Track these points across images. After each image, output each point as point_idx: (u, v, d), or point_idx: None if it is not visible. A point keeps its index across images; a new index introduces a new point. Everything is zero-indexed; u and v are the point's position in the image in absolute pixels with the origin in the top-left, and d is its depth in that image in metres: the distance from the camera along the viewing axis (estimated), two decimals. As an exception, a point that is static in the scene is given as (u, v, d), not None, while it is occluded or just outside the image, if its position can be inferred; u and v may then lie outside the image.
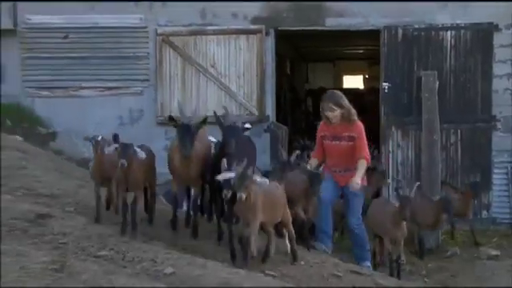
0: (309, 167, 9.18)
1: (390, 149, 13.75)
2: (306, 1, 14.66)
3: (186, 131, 7.62)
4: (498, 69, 13.52)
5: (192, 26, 14.25)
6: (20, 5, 14.58)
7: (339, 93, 9.54)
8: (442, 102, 13.32)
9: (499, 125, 13.54)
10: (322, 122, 9.41)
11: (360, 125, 9.04)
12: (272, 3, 14.34)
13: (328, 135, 9.07)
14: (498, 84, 13.52)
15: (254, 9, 14.25)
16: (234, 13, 14.26)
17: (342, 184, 9.06)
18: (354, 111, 9.00)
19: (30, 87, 14.10)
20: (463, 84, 13.68)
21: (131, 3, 14.37)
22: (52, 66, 14.22)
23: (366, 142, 9.07)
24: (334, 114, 8.79)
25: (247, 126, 8.51)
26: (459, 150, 13.59)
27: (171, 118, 7.92)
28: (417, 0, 13.93)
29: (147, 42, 14.32)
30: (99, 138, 8.00)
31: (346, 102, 8.92)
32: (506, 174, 13.48)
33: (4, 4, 14.60)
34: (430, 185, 12.22)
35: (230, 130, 7.85)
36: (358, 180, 8.56)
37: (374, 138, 13.83)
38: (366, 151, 8.96)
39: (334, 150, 9.04)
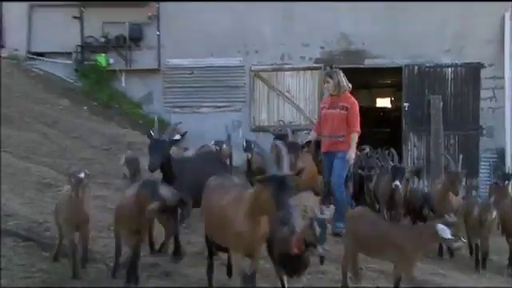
0: (310, 137, 9.35)
1: (409, 148, 14.98)
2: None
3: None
4: (483, 94, 14.65)
5: (274, 65, 15.58)
6: (162, 51, 15.84)
7: (335, 69, 9.79)
8: (444, 116, 14.56)
9: (484, 132, 14.68)
10: (324, 100, 9.63)
11: (354, 100, 9.00)
12: (328, 50, 15.40)
13: (326, 106, 9.00)
14: (483, 104, 14.65)
15: (316, 53, 15.44)
16: (302, 56, 15.51)
17: (328, 148, 8.90)
18: (345, 85, 8.90)
19: (168, 106, 15.47)
20: (459, 104, 14.80)
21: (235, 52, 15.58)
22: (182, 93, 15.68)
23: (358, 115, 8.89)
24: (329, 84, 8.81)
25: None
26: (456, 149, 14.54)
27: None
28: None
29: (244, 76, 15.66)
30: (81, 175, 6.16)
31: (339, 76, 8.89)
32: (489, 165, 14.40)
33: (150, 51, 15.94)
34: (437, 171, 13.11)
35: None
36: (351, 153, 8.57)
37: (397, 141, 15.03)
38: (357, 125, 8.79)
39: (329, 116, 8.88)
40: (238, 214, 5.08)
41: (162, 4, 16.03)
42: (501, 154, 14.29)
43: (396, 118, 17.16)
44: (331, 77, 8.86)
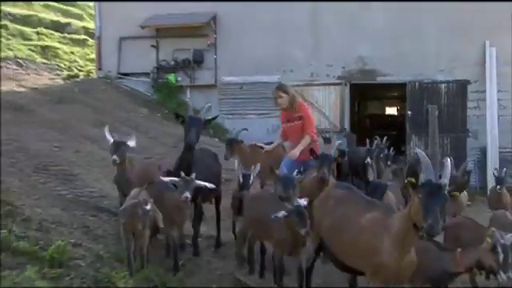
0: (274, 145, 8.50)
1: (411, 147, 15.30)
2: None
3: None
4: (469, 104, 15.25)
5: (305, 81, 16.24)
6: (218, 71, 16.72)
7: (285, 84, 8.82)
8: (439, 122, 14.03)
9: (470, 134, 15.26)
10: (281, 111, 8.31)
11: (305, 107, 8.22)
12: (347, 69, 16.06)
13: (284, 119, 8.11)
14: (469, 112, 15.27)
15: (338, 72, 16.13)
16: (327, 74, 16.24)
17: (297, 159, 7.72)
18: (296, 96, 8.27)
19: (222, 114, 15.68)
20: (451, 112, 15.39)
21: (275, 71, 16.25)
22: (234, 103, 16.54)
23: (312, 121, 8.04)
24: (283, 99, 7.83)
25: None
26: (449, 148, 15.23)
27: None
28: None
29: None
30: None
31: (291, 90, 8.09)
32: (474, 161, 14.87)
33: (209, 71, 16.83)
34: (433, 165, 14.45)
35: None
36: (295, 152, 7.56)
37: (402, 142, 15.89)
38: (312, 129, 7.85)
39: (289, 130, 8.04)
40: (384, 242, 4.18)
41: (219, 35, 16.76)
42: (483, 152, 14.65)
43: (401, 123, 17.46)
44: (286, 92, 7.96)
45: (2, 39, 19.66)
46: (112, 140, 6.34)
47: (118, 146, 6.27)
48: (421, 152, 4.47)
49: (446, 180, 4.16)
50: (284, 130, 8.28)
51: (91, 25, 22.82)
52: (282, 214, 5.23)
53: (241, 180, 6.64)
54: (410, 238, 4.24)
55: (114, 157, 6.18)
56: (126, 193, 6.18)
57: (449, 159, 4.47)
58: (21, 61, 17.95)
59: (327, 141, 10.48)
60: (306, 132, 7.83)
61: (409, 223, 4.17)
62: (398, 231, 4.21)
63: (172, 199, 5.89)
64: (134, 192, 5.80)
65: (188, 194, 5.62)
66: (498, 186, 9.57)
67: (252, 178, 6.71)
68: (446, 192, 4.11)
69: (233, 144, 9.20)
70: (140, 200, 5.47)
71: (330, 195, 5.14)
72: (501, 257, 4.64)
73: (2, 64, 17.27)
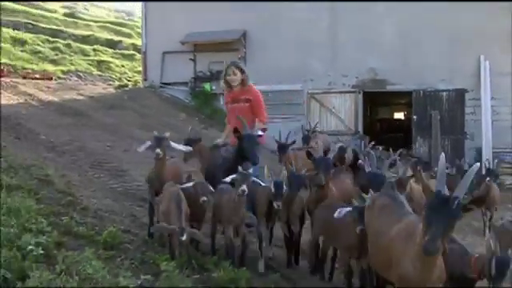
0: (223, 136, 6.98)
1: (417, 147, 15.34)
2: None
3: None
4: (467, 110, 15.20)
5: (323, 89, 16.30)
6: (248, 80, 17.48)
7: (240, 62, 7.66)
8: (441, 125, 15.08)
9: (468, 136, 15.18)
10: (225, 92, 7.14)
11: (255, 90, 6.85)
12: (360, 79, 16.05)
13: (229, 100, 6.83)
14: (467, 117, 15.22)
15: (353, 81, 16.10)
16: (343, 83, 16.21)
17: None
18: (249, 79, 6.78)
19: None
20: (451, 117, 15.33)
21: (297, 80, 16.25)
22: None
23: (263, 105, 6.84)
24: (236, 77, 6.60)
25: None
26: (449, 148, 15.12)
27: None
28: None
29: (303, 97, 16.46)
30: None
31: (246, 69, 6.80)
32: (471, 159, 13.84)
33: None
34: (435, 163, 11.39)
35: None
36: (258, 127, 6.26)
37: (408, 143, 15.69)
38: (265, 115, 6.75)
39: (233, 112, 6.67)
40: (407, 253, 3.50)
41: (248, 49, 16.90)
42: (479, 152, 14.47)
43: (407, 126, 17.36)
44: (241, 70, 6.74)
45: (66, 56, 20.04)
46: (154, 134, 5.53)
47: (160, 141, 5.45)
48: (443, 158, 3.50)
49: (459, 193, 3.28)
50: (229, 111, 6.96)
51: (138, 42, 23.19)
52: (345, 211, 4.64)
53: (273, 189, 5.28)
54: None
55: (158, 150, 5.37)
56: (158, 190, 5.42)
57: (442, 154, 3.66)
58: (80, 73, 18.39)
59: (342, 150, 8.70)
60: (260, 118, 6.61)
61: None
62: (420, 243, 3.30)
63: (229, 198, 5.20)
64: (168, 184, 5.24)
65: (245, 188, 4.92)
66: (488, 178, 8.51)
67: (285, 186, 5.34)
68: (456, 207, 3.20)
69: (192, 144, 7.18)
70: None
71: (375, 203, 4.32)
72: (493, 271, 4.00)
73: (66, 76, 17.64)
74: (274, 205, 5.27)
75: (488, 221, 8.75)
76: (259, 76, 15.89)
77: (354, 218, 4.57)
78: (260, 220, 5.54)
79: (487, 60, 14.88)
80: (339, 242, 5.06)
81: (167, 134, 5.54)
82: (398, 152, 7.10)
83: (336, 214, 4.67)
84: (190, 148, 6.15)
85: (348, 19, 16.18)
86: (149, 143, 5.50)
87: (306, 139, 10.53)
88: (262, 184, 5.57)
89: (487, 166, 9.36)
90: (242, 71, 6.74)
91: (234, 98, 6.83)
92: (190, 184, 5.13)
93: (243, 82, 6.76)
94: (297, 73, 16.46)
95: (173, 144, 5.59)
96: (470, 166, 3.75)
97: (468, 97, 15.31)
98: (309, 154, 5.99)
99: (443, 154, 3.94)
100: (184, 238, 4.47)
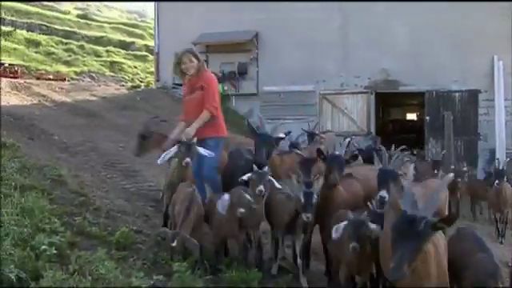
0: (176, 131, 5.99)
1: (429, 148, 15.15)
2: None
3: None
4: (480, 111, 15.06)
5: (336, 90, 16.28)
6: (260, 81, 16.81)
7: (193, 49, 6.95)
8: (454, 126, 14.95)
9: (481, 137, 15.03)
10: (183, 86, 6.47)
11: (210, 75, 6.17)
12: (373, 80, 15.95)
13: (187, 91, 6.18)
14: (480, 118, 15.07)
15: (365, 82, 16.07)
16: (355, 84, 16.16)
17: (199, 137, 5.73)
18: (204, 66, 6.19)
19: (264, 118, 13.58)
20: (464, 118, 15.17)
21: (309, 81, 16.25)
22: (274, 110, 16.10)
23: (215, 94, 5.99)
24: (192, 64, 5.90)
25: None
26: (462, 149, 15.05)
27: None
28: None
29: (315, 98, 16.45)
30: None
31: (201, 57, 6.15)
32: (484, 160, 14.50)
33: (252, 81, 16.90)
34: (447, 165, 12.26)
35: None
36: (190, 131, 5.55)
37: (421, 143, 15.53)
38: (212, 103, 5.84)
39: (190, 104, 6.04)
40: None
41: (260, 50, 16.87)
42: (492, 153, 14.35)
43: (420, 127, 17.33)
44: (197, 57, 6.08)
45: (79, 57, 20.16)
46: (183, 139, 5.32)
47: (189, 148, 5.28)
48: (411, 172, 3.34)
49: (427, 212, 3.06)
50: (185, 104, 6.26)
51: (151, 43, 23.28)
52: (341, 228, 4.20)
53: (302, 200, 4.74)
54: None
55: (187, 159, 5.21)
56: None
57: (411, 166, 3.46)
58: (93, 74, 18.48)
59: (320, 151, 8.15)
60: (205, 106, 5.88)
61: None
62: None
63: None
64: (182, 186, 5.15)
65: (262, 188, 4.67)
66: (497, 181, 8.43)
67: (316, 196, 4.81)
68: (424, 228, 2.96)
69: (146, 138, 6.84)
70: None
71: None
72: None
73: (79, 77, 17.72)
74: (303, 217, 4.76)
75: (502, 223, 8.63)
76: (271, 77, 16.47)
77: (348, 234, 4.14)
78: (278, 230, 5.33)
79: (500, 60, 14.74)
80: (338, 256, 4.69)
81: (194, 140, 5.43)
82: (400, 148, 6.17)
83: (333, 235, 4.19)
84: (212, 154, 5.60)
85: (360, 20, 16.12)
86: (174, 150, 5.31)
87: (309, 140, 10.35)
88: (278, 185, 5.16)
89: (496, 166, 9.24)
90: (198, 58, 6.11)
91: (190, 88, 6.18)
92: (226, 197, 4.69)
93: (199, 70, 6.09)
94: (309, 74, 16.46)
95: (200, 149, 5.43)
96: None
97: (481, 97, 15.18)
98: (319, 153, 5.67)
99: (413, 165, 3.99)
100: (174, 244, 4.36)
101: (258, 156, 5.76)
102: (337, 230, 4.18)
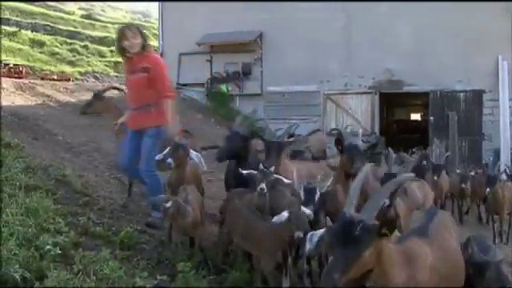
0: (122, 119, 5.89)
1: (433, 148, 15.20)
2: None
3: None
4: (485, 111, 15.11)
5: (340, 90, 16.31)
6: (264, 82, 16.85)
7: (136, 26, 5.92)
8: (458, 126, 14.73)
9: (485, 137, 15.11)
10: (124, 62, 5.74)
11: (157, 57, 5.72)
12: (377, 80, 15.94)
13: (127, 70, 5.61)
14: (485, 118, 15.14)
15: (369, 82, 16.07)
16: (359, 84, 16.16)
17: (138, 126, 5.51)
18: (150, 46, 5.67)
19: (267, 119, 15.24)
20: (468, 118, 15.21)
21: (313, 81, 16.25)
22: (277, 110, 16.37)
23: (165, 76, 5.51)
24: (137, 42, 5.36)
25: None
26: (467, 149, 15.11)
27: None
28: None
29: (319, 98, 16.45)
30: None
31: (145, 34, 5.57)
32: (489, 160, 13.85)
33: (256, 82, 16.90)
34: (452, 165, 12.78)
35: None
36: (172, 128, 5.27)
37: (425, 144, 15.36)
38: (168, 89, 5.43)
39: (131, 84, 5.55)
40: None
41: (264, 50, 16.86)
42: (497, 153, 14.35)
43: (424, 128, 17.37)
44: (141, 34, 5.52)
45: (84, 57, 20.21)
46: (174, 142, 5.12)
47: (176, 150, 5.11)
48: (363, 173, 3.04)
49: (366, 215, 2.75)
50: (126, 84, 5.77)
51: (155, 43, 23.16)
52: (316, 237, 3.61)
53: (302, 196, 4.42)
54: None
55: (169, 160, 5.06)
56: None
57: (366, 166, 3.09)
58: (97, 74, 18.48)
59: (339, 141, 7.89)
60: (162, 94, 5.36)
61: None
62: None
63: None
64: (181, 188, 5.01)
65: (263, 186, 4.46)
66: (488, 189, 8.22)
67: (318, 192, 4.46)
68: (361, 232, 2.65)
69: (97, 98, 6.77)
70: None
71: None
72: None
73: (84, 77, 17.73)
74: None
75: (500, 226, 8.46)
76: (275, 77, 16.51)
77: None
78: None
79: (505, 60, 14.72)
80: None
81: (187, 142, 5.36)
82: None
83: (307, 245, 3.61)
84: (204, 166, 5.58)
85: (364, 20, 16.11)
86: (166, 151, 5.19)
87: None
88: (286, 181, 4.89)
89: (508, 172, 9.15)
90: (142, 35, 5.50)
91: (131, 67, 5.55)
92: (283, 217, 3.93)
93: (143, 49, 5.47)
94: (313, 74, 16.45)
95: (193, 153, 5.30)
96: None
97: (486, 97, 15.21)
98: (338, 142, 5.26)
99: (368, 165, 3.51)
100: (168, 205, 4.34)
101: (268, 163, 5.08)
102: (311, 241, 3.58)
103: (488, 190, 8.13)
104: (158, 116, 5.40)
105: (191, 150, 5.33)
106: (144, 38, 5.50)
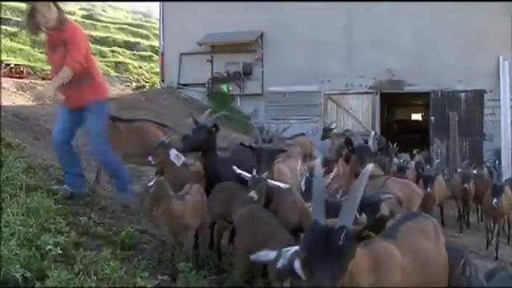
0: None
1: (434, 148, 15.52)
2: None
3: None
4: (486, 111, 15.25)
5: (340, 90, 16.43)
6: (264, 82, 16.91)
7: None
8: (459, 126, 14.92)
9: (486, 138, 15.27)
10: (47, 38, 5.22)
11: (74, 28, 5.22)
12: (378, 80, 16.03)
13: (48, 48, 5.24)
14: (486, 118, 15.27)
15: (370, 82, 16.21)
16: (360, 84, 16.31)
17: (73, 105, 5.26)
18: (67, 18, 5.22)
19: (268, 119, 16.36)
20: (469, 118, 15.34)
21: (314, 81, 16.30)
22: (278, 110, 16.57)
23: (80, 45, 5.08)
24: (52, 16, 4.95)
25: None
26: (467, 149, 15.21)
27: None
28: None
29: (320, 98, 16.53)
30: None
31: (61, 6, 5.13)
32: (489, 160, 14.37)
33: (257, 82, 16.97)
34: (453, 165, 13.58)
35: None
36: (47, 91, 5.08)
37: (426, 144, 15.77)
38: (75, 57, 4.96)
39: (53, 62, 5.21)
40: None
41: (265, 50, 16.92)
42: (498, 153, 14.53)
43: (425, 128, 17.48)
44: (56, 5, 5.06)
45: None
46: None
47: (157, 147, 5.21)
48: (319, 174, 2.71)
49: (346, 220, 2.39)
50: (49, 61, 5.39)
51: (156, 43, 23.32)
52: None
53: (303, 187, 4.24)
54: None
55: (149, 157, 5.25)
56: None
57: (370, 166, 2.74)
58: (99, 75, 18.47)
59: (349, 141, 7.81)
60: (66, 62, 4.94)
61: None
62: None
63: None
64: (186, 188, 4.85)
65: (254, 194, 4.25)
66: (495, 200, 7.53)
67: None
68: (345, 240, 2.29)
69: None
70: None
71: None
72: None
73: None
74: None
75: (498, 235, 8.22)
76: (276, 77, 16.55)
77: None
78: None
79: (506, 60, 14.83)
80: None
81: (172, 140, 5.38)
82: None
83: (280, 261, 3.07)
84: (191, 161, 5.58)
85: (364, 20, 16.18)
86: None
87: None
88: (282, 185, 4.61)
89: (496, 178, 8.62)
90: (58, 7, 5.05)
91: (52, 43, 5.16)
92: None
93: (61, 22, 5.06)
94: (314, 74, 16.51)
95: (173, 154, 5.21)
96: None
97: (487, 97, 15.34)
98: (348, 142, 5.31)
99: (319, 160, 3.08)
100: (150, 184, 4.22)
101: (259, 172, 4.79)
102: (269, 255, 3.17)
103: (495, 200, 7.50)
104: (94, 89, 5.29)
105: (173, 149, 5.25)
106: (60, 11, 5.07)
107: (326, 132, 11.54)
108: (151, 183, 4.21)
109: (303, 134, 12.38)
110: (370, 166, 2.74)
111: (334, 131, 13.30)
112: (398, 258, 2.83)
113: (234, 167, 4.83)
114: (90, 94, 5.24)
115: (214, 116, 6.01)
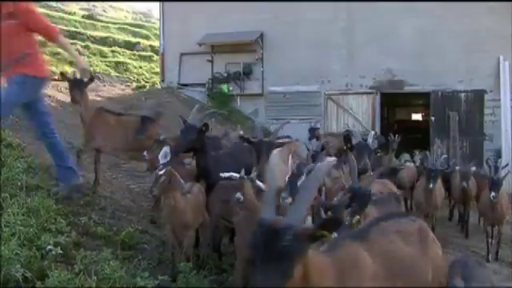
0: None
1: (434, 149, 15.23)
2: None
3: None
4: (486, 111, 15.06)
5: (341, 90, 16.25)
6: (264, 82, 16.80)
7: None
8: (459, 126, 15.00)
9: (487, 137, 15.08)
10: None
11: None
12: (378, 80, 15.91)
13: None
14: (486, 118, 15.09)
15: (370, 82, 16.04)
16: (360, 84, 16.15)
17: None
18: None
19: (268, 119, 16.30)
20: (469, 118, 15.22)
21: (314, 81, 16.26)
22: (278, 110, 16.42)
23: (35, 12, 5.06)
24: None
25: None
26: (468, 149, 15.13)
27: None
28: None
29: (320, 98, 16.41)
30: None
31: None
32: (490, 159, 13.28)
33: (257, 82, 16.92)
34: (453, 166, 11.76)
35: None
36: (83, 63, 4.61)
37: (426, 144, 15.56)
38: (42, 24, 4.97)
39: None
40: None
41: (265, 50, 16.81)
42: (498, 153, 14.37)
43: (425, 128, 17.21)
44: None
45: (85, 57, 20.16)
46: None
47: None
48: (272, 171, 2.64)
49: (293, 218, 2.24)
50: None
51: (156, 43, 23.33)
52: None
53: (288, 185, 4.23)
54: None
55: (144, 153, 5.50)
56: None
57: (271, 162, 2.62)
58: (99, 75, 18.41)
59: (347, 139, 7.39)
60: (51, 35, 4.95)
61: None
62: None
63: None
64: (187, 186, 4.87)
65: (240, 195, 4.25)
66: (493, 194, 7.18)
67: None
68: (292, 240, 2.13)
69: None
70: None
71: None
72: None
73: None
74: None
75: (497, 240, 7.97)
76: (276, 77, 16.53)
77: None
78: None
79: (506, 60, 14.69)
80: None
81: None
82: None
83: None
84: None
85: (364, 20, 16.09)
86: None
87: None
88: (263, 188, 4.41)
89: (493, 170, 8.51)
90: None
91: None
92: None
93: None
94: (314, 74, 16.45)
95: (163, 152, 4.93)
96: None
97: (487, 98, 15.19)
98: (347, 140, 5.36)
99: (273, 159, 3.13)
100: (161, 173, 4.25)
101: (260, 167, 4.93)
102: None
103: (493, 194, 7.16)
104: (26, 65, 5.11)
105: (166, 147, 5.00)
106: None
107: (313, 132, 11.37)
108: (161, 172, 4.21)
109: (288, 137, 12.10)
110: (320, 164, 2.51)
111: (334, 131, 13.23)
112: (366, 263, 2.63)
113: (221, 173, 4.75)
114: (21, 68, 5.09)
115: (205, 113, 6.03)
